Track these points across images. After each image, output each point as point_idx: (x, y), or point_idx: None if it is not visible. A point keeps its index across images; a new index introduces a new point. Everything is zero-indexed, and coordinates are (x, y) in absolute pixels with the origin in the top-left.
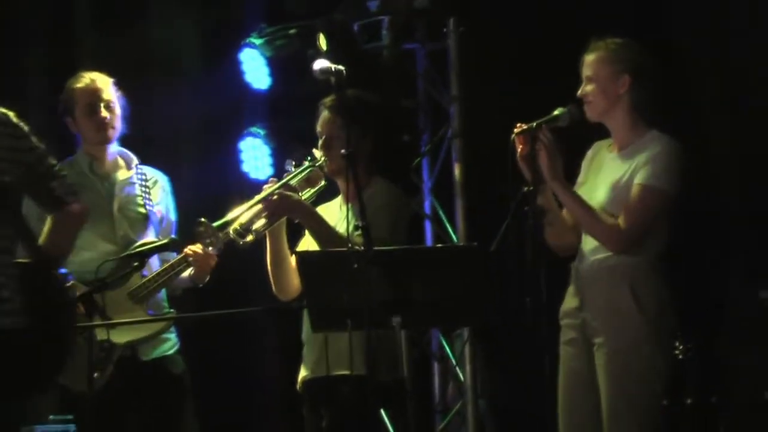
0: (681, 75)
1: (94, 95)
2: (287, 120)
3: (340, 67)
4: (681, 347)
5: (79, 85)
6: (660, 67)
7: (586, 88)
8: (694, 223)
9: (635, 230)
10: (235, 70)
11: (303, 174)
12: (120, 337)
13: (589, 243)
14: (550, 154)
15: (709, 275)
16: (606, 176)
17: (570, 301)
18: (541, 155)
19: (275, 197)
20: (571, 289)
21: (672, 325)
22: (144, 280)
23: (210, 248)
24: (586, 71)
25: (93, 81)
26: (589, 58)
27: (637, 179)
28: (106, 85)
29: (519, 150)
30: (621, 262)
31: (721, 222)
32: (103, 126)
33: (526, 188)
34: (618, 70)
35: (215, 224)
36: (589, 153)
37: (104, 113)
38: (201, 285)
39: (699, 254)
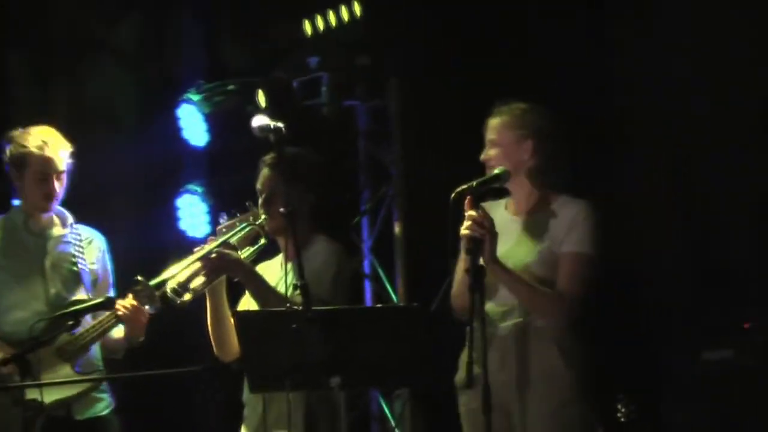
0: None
1: (48, 165)
2: (225, 177)
3: (279, 124)
4: (623, 409)
5: (35, 149)
6: (564, 131)
7: (489, 152)
8: (629, 282)
9: (577, 298)
10: (172, 126)
11: (243, 232)
12: (50, 396)
13: (497, 307)
14: (491, 237)
15: (650, 336)
16: (521, 240)
17: (476, 367)
18: (486, 240)
19: (214, 255)
20: (473, 355)
21: (604, 383)
22: (73, 337)
23: (147, 307)
24: (490, 135)
25: (48, 148)
26: (493, 123)
27: (567, 247)
28: (60, 153)
29: (463, 226)
30: (547, 324)
31: (661, 280)
32: (50, 197)
33: (464, 248)
34: (521, 135)
35: (152, 282)
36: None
37: (54, 185)
38: (136, 345)
39: (637, 314)
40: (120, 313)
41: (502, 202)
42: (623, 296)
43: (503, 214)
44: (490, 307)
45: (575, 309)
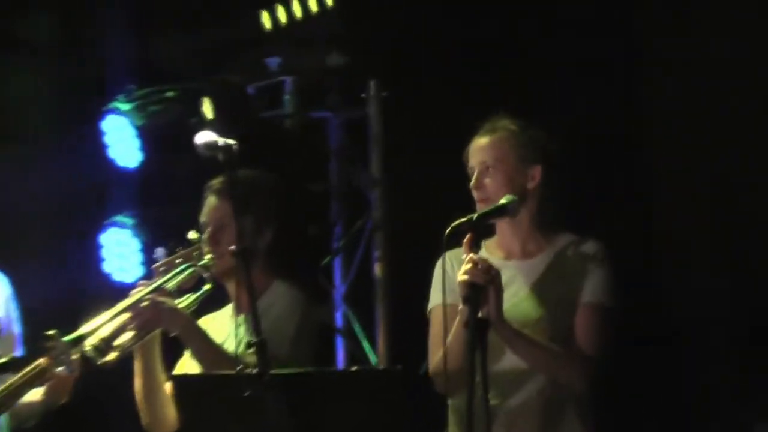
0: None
1: None
2: (162, 207)
3: (231, 141)
4: None
5: None
6: (570, 158)
7: (486, 180)
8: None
9: (597, 355)
10: (95, 143)
11: (183, 275)
12: None
13: (504, 374)
14: (498, 290)
15: (691, 404)
16: (523, 291)
17: None
18: (492, 293)
19: (145, 304)
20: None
21: None
22: None
23: (59, 368)
24: (482, 157)
25: None
26: (485, 142)
27: (585, 297)
28: None
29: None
30: (568, 394)
31: (702, 336)
32: None
33: (464, 297)
34: (526, 157)
35: (67, 338)
36: (450, 262)
37: None
38: (55, 408)
39: (673, 376)
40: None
41: (483, 244)
42: (656, 357)
43: (490, 260)
44: (494, 373)
45: (593, 369)
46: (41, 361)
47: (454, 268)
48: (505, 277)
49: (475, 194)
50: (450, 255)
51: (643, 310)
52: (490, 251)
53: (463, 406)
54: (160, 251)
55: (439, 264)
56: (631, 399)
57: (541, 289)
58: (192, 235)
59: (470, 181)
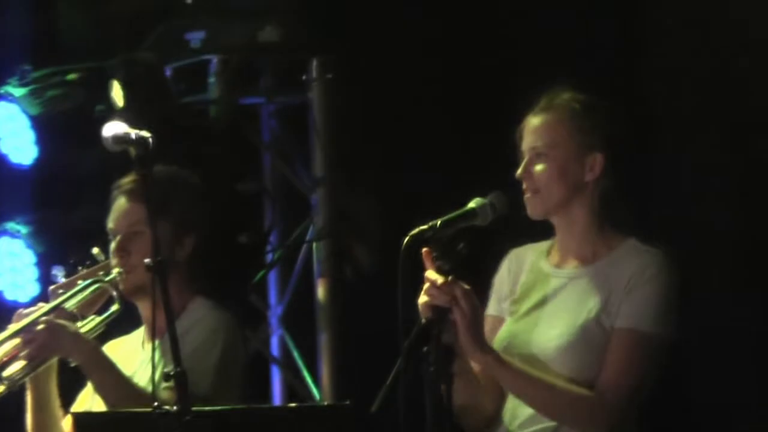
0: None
1: None
2: (63, 211)
3: (144, 133)
4: None
5: None
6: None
7: (537, 168)
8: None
9: (627, 397)
10: None
11: (85, 292)
12: None
13: (520, 413)
14: (466, 314)
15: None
16: (558, 306)
17: None
18: (458, 317)
19: (41, 327)
20: None
21: None
22: None
23: None
24: (533, 141)
25: None
26: (541, 121)
27: (625, 321)
28: None
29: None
30: None
31: (729, 373)
32: None
33: (424, 319)
34: (588, 144)
35: None
36: (508, 265)
37: None
38: None
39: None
40: None
41: (535, 248)
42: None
43: (542, 267)
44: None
45: (620, 413)
46: None
47: (511, 271)
48: (548, 290)
49: (524, 185)
50: (516, 252)
51: None
52: (551, 255)
53: None
54: (58, 270)
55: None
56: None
57: (579, 306)
58: (96, 251)
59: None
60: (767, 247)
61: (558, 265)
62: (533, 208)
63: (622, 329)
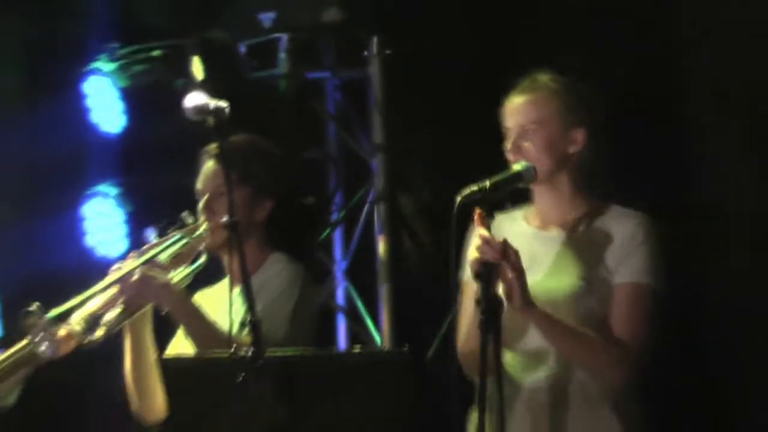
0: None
1: None
2: (148, 175)
3: (222, 104)
4: None
5: None
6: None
7: (525, 143)
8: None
9: (643, 343)
10: (75, 106)
11: (175, 247)
12: None
13: (523, 354)
14: (518, 271)
15: (726, 393)
16: (557, 266)
17: None
18: (510, 274)
19: (136, 278)
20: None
21: None
22: None
23: (43, 348)
24: (521, 118)
25: None
26: (522, 101)
27: (624, 276)
28: None
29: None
30: (596, 380)
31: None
32: None
33: (473, 273)
34: (570, 120)
35: (51, 314)
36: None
37: None
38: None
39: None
40: None
41: (519, 212)
42: (690, 340)
43: (524, 229)
44: (514, 353)
45: (640, 359)
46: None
47: (510, 229)
48: (537, 248)
49: (512, 158)
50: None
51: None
52: (528, 220)
53: (482, 388)
54: (151, 232)
55: (466, 235)
56: (665, 390)
57: (581, 264)
58: (185, 214)
59: (502, 143)
60: None
61: (543, 228)
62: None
63: (627, 284)
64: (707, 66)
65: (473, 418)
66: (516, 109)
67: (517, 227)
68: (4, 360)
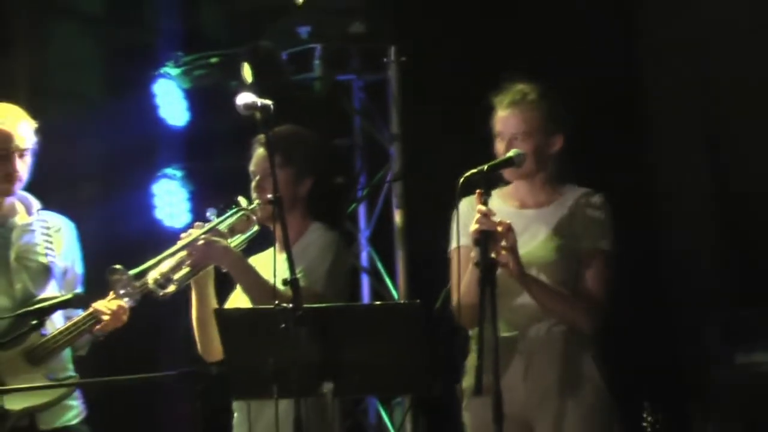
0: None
1: (7, 141)
2: (207, 160)
3: (267, 102)
4: (650, 419)
5: None
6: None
7: (520, 148)
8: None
9: (607, 301)
10: (147, 103)
11: (233, 218)
12: (15, 404)
13: (521, 310)
14: (512, 240)
15: (679, 338)
16: (535, 238)
17: (486, 376)
18: (507, 242)
19: (201, 243)
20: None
21: (629, 390)
22: (43, 339)
23: (126, 299)
24: (511, 129)
25: (7, 122)
26: (513, 113)
27: (589, 243)
28: (21, 128)
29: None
30: (575, 332)
31: (692, 274)
32: (11, 178)
33: (474, 240)
34: (551, 129)
35: (132, 272)
36: (467, 207)
37: (16, 165)
38: (102, 338)
39: (664, 313)
40: (104, 317)
41: (495, 193)
42: (649, 293)
43: (504, 208)
44: (512, 309)
45: (604, 310)
46: (92, 310)
47: (468, 214)
48: (520, 225)
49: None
50: (465, 202)
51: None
52: (504, 200)
53: (480, 335)
54: (211, 212)
55: (455, 211)
56: (623, 333)
57: (554, 235)
58: (240, 198)
59: (491, 138)
60: None
61: (521, 207)
62: (510, 175)
63: (593, 249)
64: (664, 74)
65: (471, 359)
66: (506, 120)
67: (498, 206)
68: (79, 321)
